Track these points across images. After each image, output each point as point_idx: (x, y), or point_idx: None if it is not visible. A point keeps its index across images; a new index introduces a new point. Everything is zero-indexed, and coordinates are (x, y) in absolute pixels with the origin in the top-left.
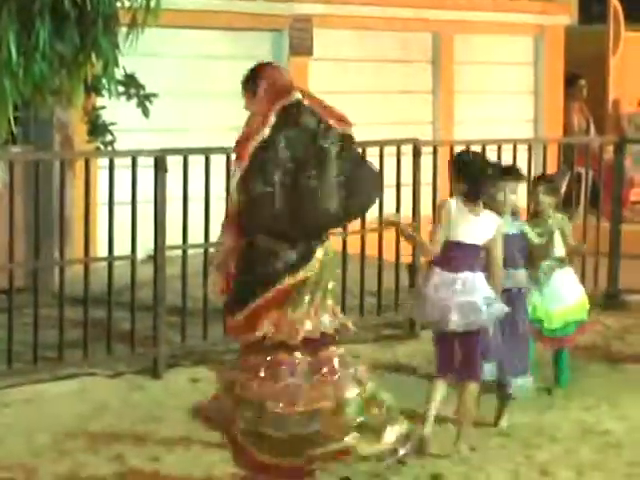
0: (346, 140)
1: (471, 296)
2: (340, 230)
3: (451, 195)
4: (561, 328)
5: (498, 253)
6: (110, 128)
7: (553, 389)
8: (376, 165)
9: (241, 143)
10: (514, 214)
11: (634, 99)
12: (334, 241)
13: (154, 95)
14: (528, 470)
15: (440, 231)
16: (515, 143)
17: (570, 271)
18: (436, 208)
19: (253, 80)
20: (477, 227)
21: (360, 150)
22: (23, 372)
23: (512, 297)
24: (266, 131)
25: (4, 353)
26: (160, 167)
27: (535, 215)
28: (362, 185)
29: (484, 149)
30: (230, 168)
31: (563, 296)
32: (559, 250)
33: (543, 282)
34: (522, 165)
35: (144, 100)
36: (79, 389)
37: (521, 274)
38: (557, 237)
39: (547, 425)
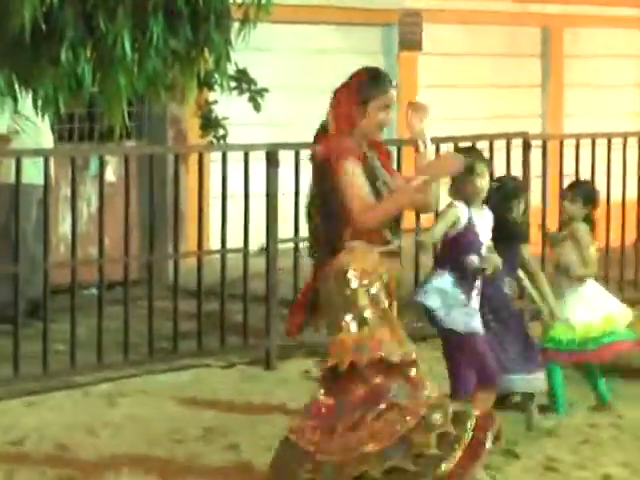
0: None
1: None
2: None
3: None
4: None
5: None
6: (222, 122)
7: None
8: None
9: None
10: None
11: None
12: None
13: (265, 90)
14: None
15: None
16: (625, 137)
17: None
18: None
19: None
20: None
21: (471, 144)
22: (139, 363)
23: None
24: None
25: (120, 344)
26: (272, 161)
27: (562, 225)
28: None
29: (594, 142)
30: None
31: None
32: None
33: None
34: (633, 158)
35: (255, 95)
36: (193, 379)
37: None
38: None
39: None
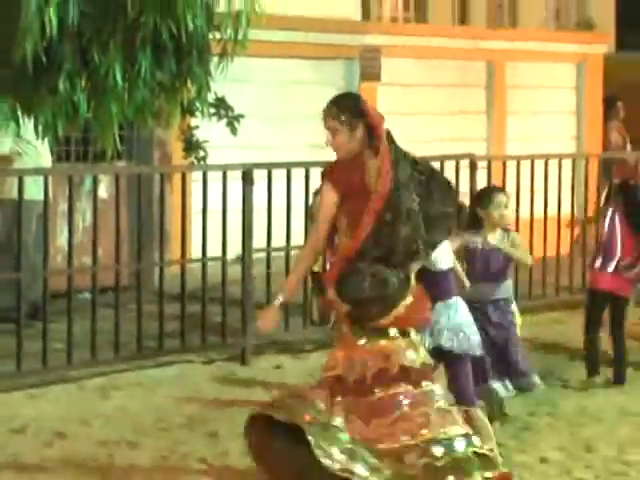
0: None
1: None
2: None
3: None
4: None
5: None
6: (203, 145)
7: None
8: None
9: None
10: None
11: None
12: None
13: (241, 116)
14: (574, 446)
15: None
16: (560, 158)
17: None
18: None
19: (354, 115)
20: None
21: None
22: (128, 359)
23: (501, 307)
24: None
25: (112, 343)
26: (247, 180)
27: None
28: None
29: (533, 163)
30: (309, 181)
31: None
32: None
33: None
34: (567, 177)
35: (233, 120)
36: (177, 374)
37: (508, 285)
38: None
39: (590, 407)
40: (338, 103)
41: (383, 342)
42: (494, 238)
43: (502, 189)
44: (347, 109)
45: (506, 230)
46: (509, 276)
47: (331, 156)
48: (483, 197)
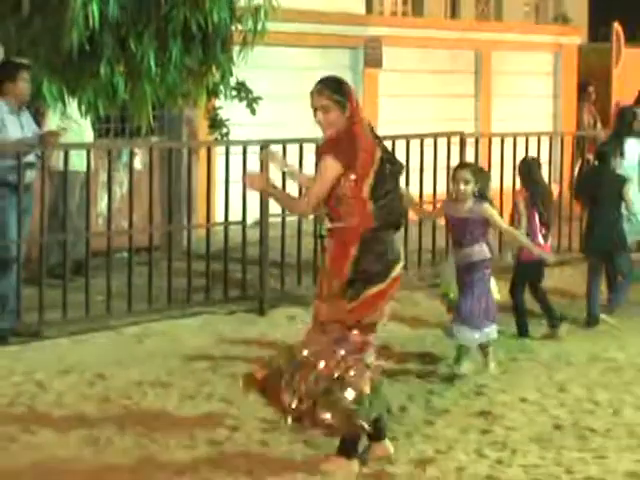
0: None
1: None
2: None
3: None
4: None
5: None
6: (225, 123)
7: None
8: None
9: (364, 159)
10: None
11: (631, 100)
12: None
13: (260, 98)
14: (549, 387)
15: None
16: (539, 136)
17: None
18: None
19: (342, 95)
20: None
21: (419, 141)
22: (160, 310)
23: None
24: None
25: (145, 296)
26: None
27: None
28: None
29: (515, 140)
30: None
31: None
32: None
33: None
34: (545, 153)
35: (252, 102)
36: (203, 324)
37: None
38: None
39: (563, 352)
40: (328, 84)
41: None
42: (463, 208)
43: (468, 165)
44: (338, 89)
45: (481, 201)
46: (483, 241)
47: None
48: (452, 172)
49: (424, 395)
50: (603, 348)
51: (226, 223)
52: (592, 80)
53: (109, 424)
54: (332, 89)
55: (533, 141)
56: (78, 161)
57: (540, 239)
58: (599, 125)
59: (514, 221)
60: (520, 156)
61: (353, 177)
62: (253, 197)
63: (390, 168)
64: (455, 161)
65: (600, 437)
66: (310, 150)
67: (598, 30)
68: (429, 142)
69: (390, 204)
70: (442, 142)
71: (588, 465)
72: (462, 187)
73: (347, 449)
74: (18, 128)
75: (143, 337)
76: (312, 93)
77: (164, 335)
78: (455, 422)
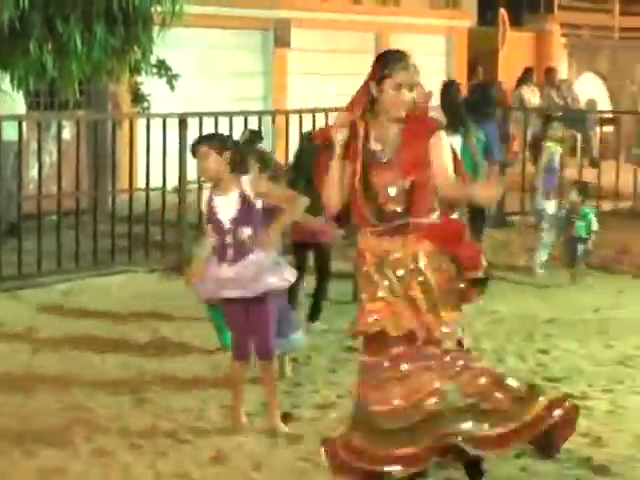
0: None
1: None
2: None
3: None
4: None
5: None
6: (147, 97)
7: None
8: None
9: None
10: None
11: (514, 80)
12: None
13: (178, 75)
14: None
15: None
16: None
17: None
18: None
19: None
20: None
21: (324, 114)
22: (87, 269)
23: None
24: None
25: (73, 256)
26: (182, 126)
27: None
28: None
29: None
30: (232, 127)
31: None
32: None
33: None
34: None
35: (171, 78)
36: (126, 281)
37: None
38: None
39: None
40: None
41: None
42: None
43: None
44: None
45: None
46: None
47: (250, 107)
48: None
49: (327, 346)
50: (488, 301)
51: (147, 189)
52: (480, 61)
53: (39, 370)
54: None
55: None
56: (11, 132)
57: None
58: None
59: None
60: None
61: None
62: (172, 165)
63: None
64: None
65: None
66: (224, 123)
67: (486, 15)
68: (333, 115)
69: None
70: None
71: None
72: None
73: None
74: None
75: (71, 293)
76: (405, 67)
77: (91, 291)
78: (355, 370)
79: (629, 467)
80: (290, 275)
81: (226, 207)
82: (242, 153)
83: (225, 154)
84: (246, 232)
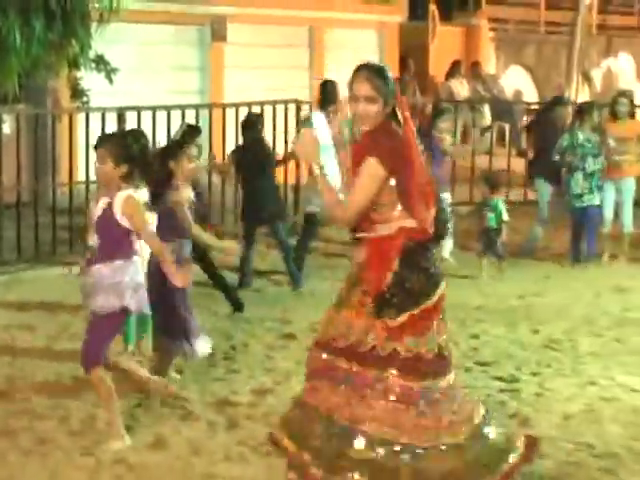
0: None
1: None
2: None
3: None
4: None
5: None
6: (86, 92)
7: None
8: None
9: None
10: None
11: (444, 73)
12: None
13: (117, 69)
14: None
15: None
16: None
17: None
18: None
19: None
20: None
21: (259, 107)
22: (28, 260)
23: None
24: None
25: (15, 248)
26: (121, 119)
27: None
28: None
29: None
30: (170, 121)
31: None
32: None
33: None
34: None
35: (110, 73)
36: (67, 273)
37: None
38: None
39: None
40: (380, 73)
41: None
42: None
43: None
44: (387, 82)
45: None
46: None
47: (187, 100)
48: None
49: (264, 334)
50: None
51: (87, 182)
52: (411, 55)
53: None
54: (383, 78)
55: None
56: None
57: None
58: (418, 93)
59: None
60: None
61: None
62: None
63: None
64: (292, 126)
65: None
66: (162, 117)
67: (417, 10)
68: (269, 108)
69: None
70: (280, 108)
71: None
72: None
73: None
74: None
75: (12, 285)
76: (353, 81)
77: (32, 283)
78: (291, 356)
79: (556, 447)
80: (117, 301)
81: (96, 212)
82: (141, 162)
83: (122, 167)
84: (96, 241)
